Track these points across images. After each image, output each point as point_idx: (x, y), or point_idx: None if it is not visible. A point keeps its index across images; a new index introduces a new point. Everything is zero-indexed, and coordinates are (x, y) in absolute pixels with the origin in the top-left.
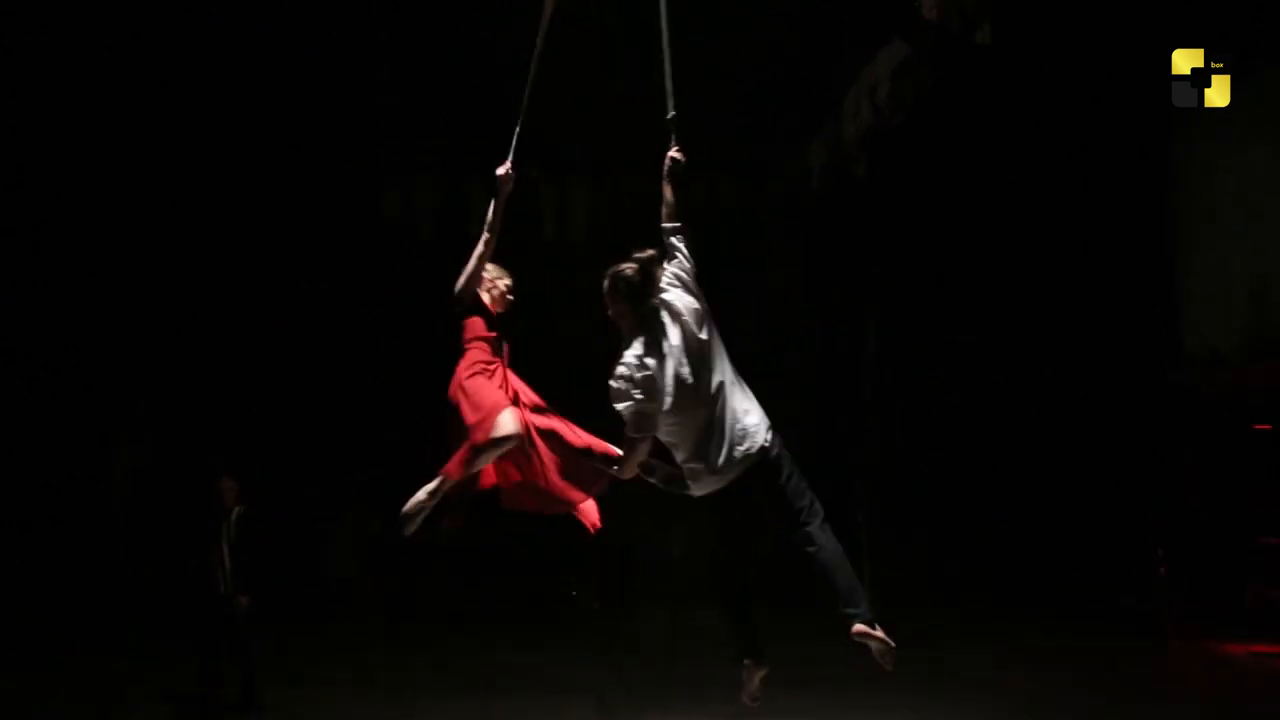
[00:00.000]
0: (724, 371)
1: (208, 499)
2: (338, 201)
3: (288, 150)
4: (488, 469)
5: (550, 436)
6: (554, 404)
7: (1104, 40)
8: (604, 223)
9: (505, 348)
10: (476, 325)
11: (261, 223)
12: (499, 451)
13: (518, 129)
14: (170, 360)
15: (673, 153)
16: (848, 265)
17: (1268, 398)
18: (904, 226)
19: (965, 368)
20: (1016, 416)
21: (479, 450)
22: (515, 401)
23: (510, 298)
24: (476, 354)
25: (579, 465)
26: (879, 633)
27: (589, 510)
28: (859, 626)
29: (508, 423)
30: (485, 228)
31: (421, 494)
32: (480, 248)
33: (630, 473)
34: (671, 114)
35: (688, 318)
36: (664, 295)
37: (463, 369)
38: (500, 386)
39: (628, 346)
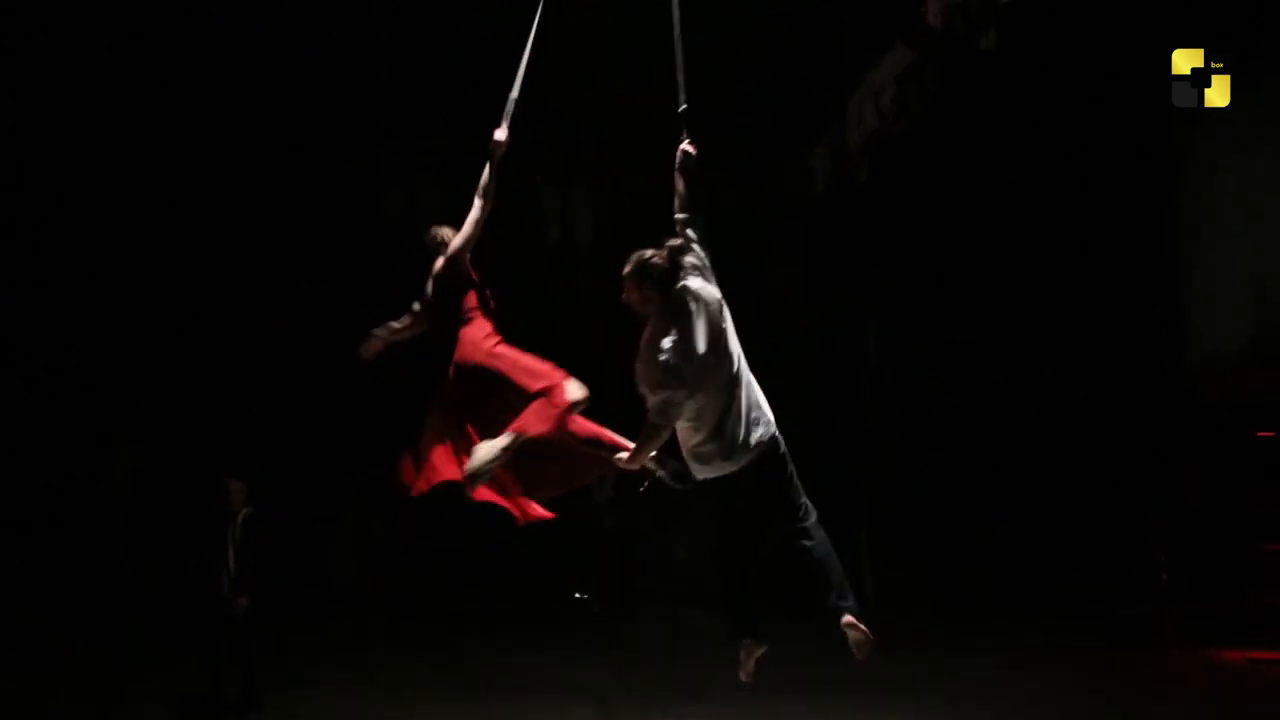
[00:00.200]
0: (740, 359)
1: (213, 500)
2: (338, 201)
3: (288, 150)
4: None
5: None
6: None
7: (1105, 44)
8: (607, 226)
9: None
10: (472, 297)
11: (261, 223)
12: (576, 413)
13: (514, 94)
14: (170, 360)
15: (685, 145)
16: (848, 267)
17: (1270, 402)
18: (905, 229)
19: (966, 368)
20: (1017, 418)
21: (563, 411)
22: None
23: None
24: (485, 324)
25: (584, 452)
26: (863, 625)
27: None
28: (849, 618)
29: (576, 388)
30: (479, 193)
31: (492, 452)
32: (477, 213)
33: (640, 462)
34: (683, 107)
35: (712, 306)
36: (687, 283)
37: (482, 337)
38: None
39: (661, 334)
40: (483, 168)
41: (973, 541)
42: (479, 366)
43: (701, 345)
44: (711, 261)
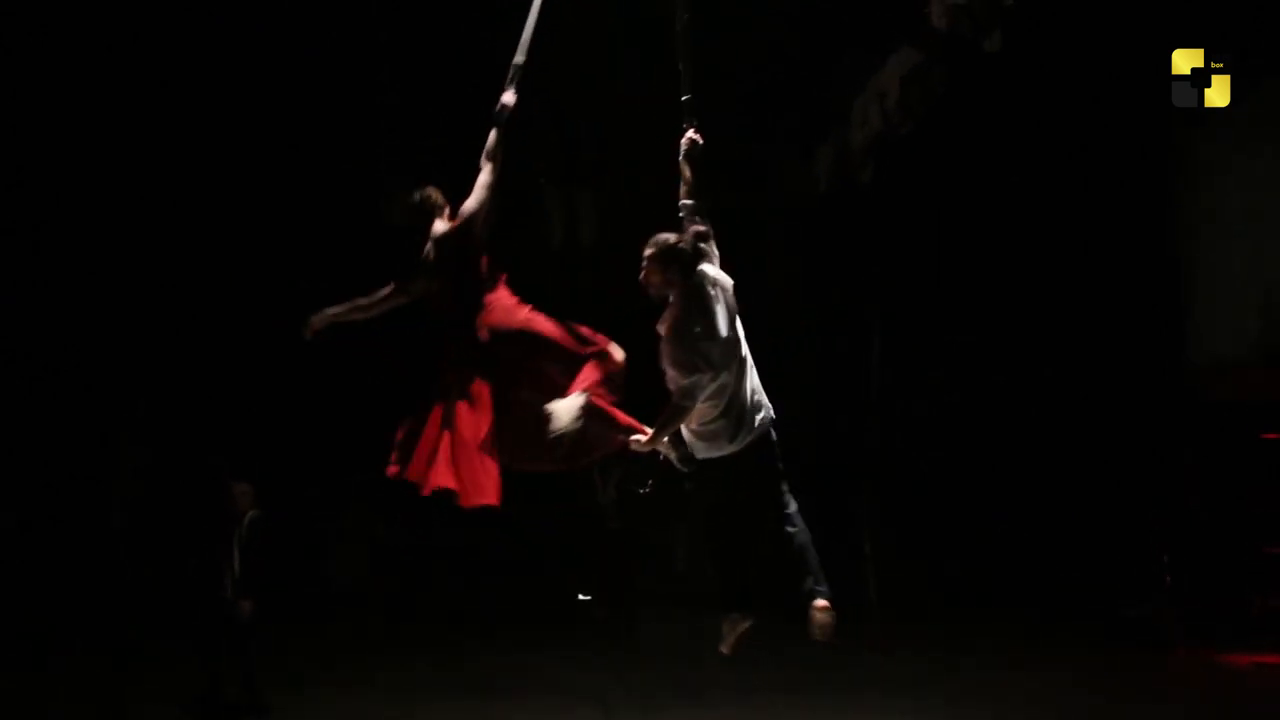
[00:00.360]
0: (745, 344)
1: (219, 502)
2: (337, 202)
3: (288, 150)
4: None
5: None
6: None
7: (1107, 44)
8: (609, 226)
9: None
10: (487, 262)
11: (261, 222)
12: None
13: (518, 59)
14: (170, 360)
15: (690, 134)
16: (851, 268)
17: (1274, 403)
18: (908, 230)
19: (967, 369)
20: (1018, 418)
21: (621, 372)
22: None
23: None
24: (507, 290)
25: (594, 431)
26: (833, 611)
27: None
28: (824, 602)
29: (619, 351)
30: (487, 156)
31: (572, 412)
32: (488, 177)
33: (659, 443)
34: (686, 96)
35: (728, 291)
36: (704, 268)
37: (514, 303)
38: None
39: (686, 318)
40: (488, 133)
41: (973, 541)
42: (520, 330)
43: (724, 329)
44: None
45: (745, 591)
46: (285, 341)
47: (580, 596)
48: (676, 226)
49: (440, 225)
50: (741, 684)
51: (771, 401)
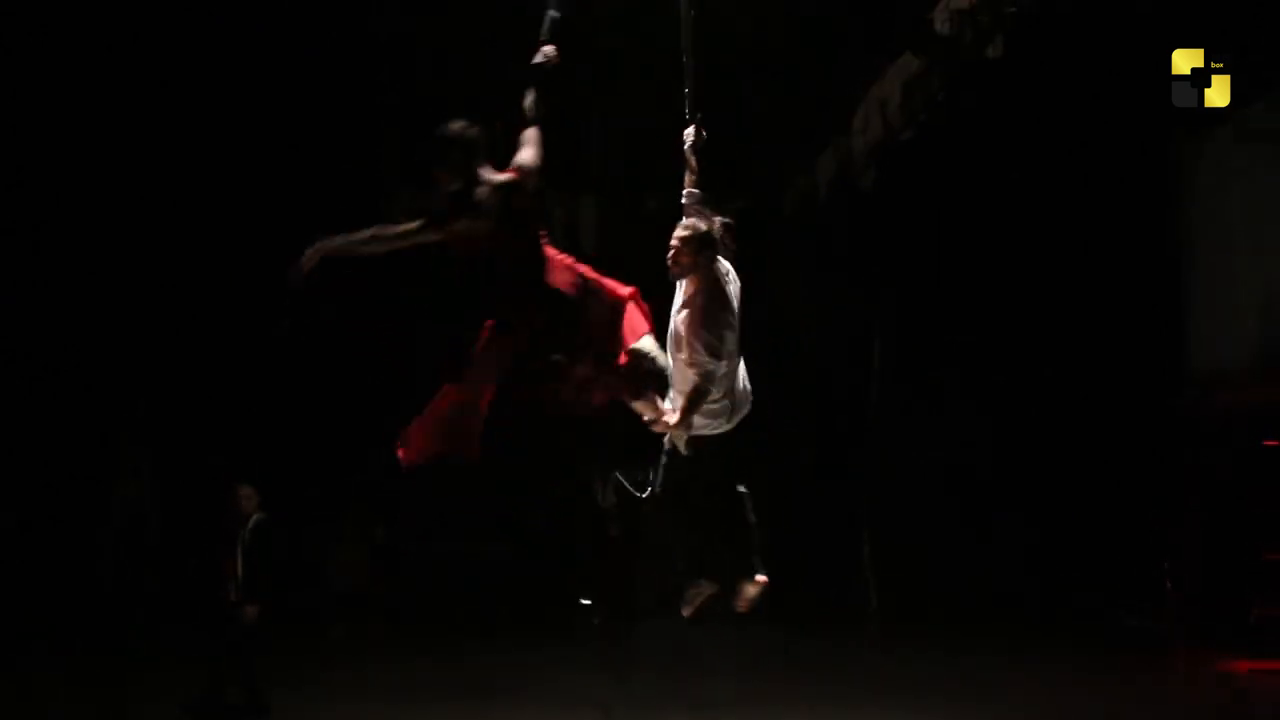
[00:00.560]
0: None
1: (222, 504)
2: (339, 204)
3: (289, 150)
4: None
5: None
6: None
7: (1111, 52)
8: (612, 237)
9: None
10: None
11: (262, 223)
12: None
13: (552, 11)
14: (170, 360)
15: (693, 127)
16: (852, 272)
17: (1274, 411)
18: (909, 234)
19: (969, 374)
20: (1020, 424)
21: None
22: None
23: None
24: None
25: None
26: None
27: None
28: (763, 578)
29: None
30: (530, 114)
31: (655, 345)
32: (537, 134)
33: (687, 423)
34: (688, 89)
35: (737, 284)
36: (720, 257)
37: (570, 259)
38: None
39: (713, 305)
40: (529, 91)
41: (973, 546)
42: (584, 279)
43: (736, 320)
44: None
45: (715, 561)
46: (285, 343)
47: (582, 601)
48: (679, 220)
49: (492, 171)
50: (741, 688)
51: (775, 403)
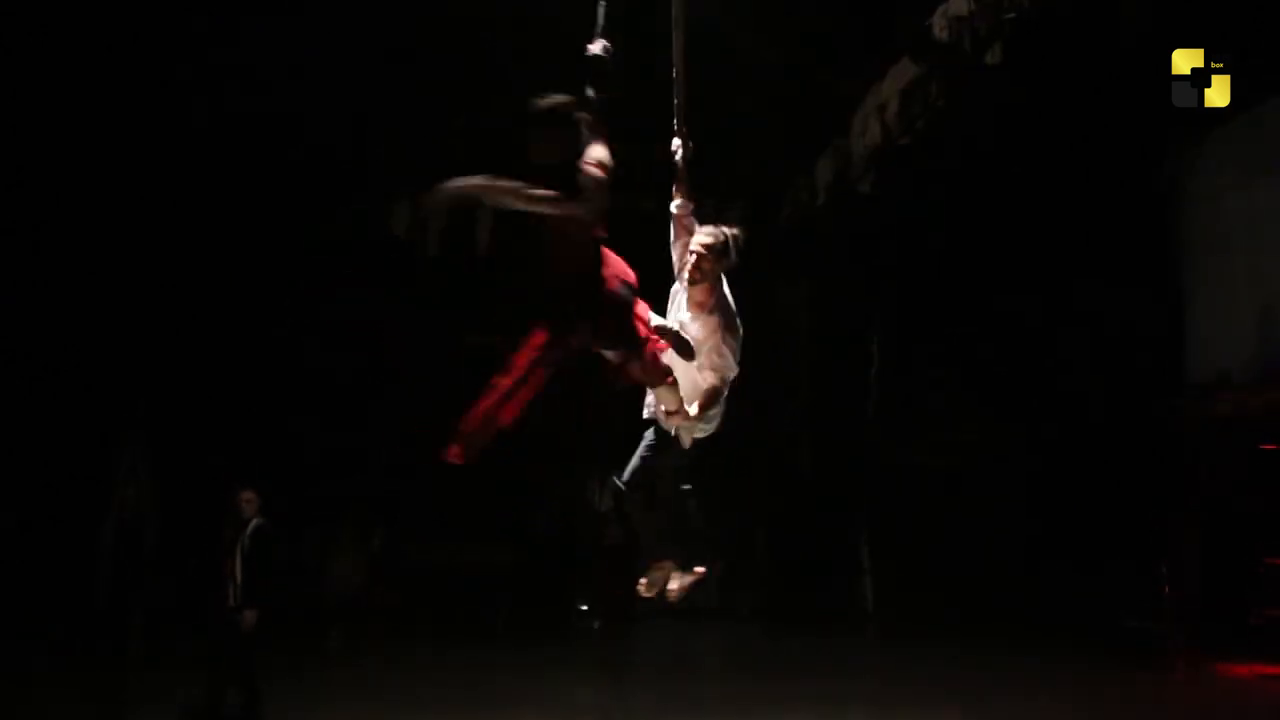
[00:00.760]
0: None
1: (223, 507)
2: (343, 213)
3: (291, 153)
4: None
5: None
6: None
7: (1110, 53)
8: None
9: None
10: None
11: (262, 225)
12: None
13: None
14: (170, 361)
15: (680, 138)
16: (851, 277)
17: (1273, 416)
18: (907, 239)
19: (967, 379)
20: (1019, 430)
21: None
22: None
23: None
24: None
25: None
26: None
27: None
28: (702, 570)
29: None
30: (590, 111)
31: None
32: (602, 126)
33: (703, 418)
34: (677, 100)
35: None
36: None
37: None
38: None
39: (724, 314)
40: (586, 87)
41: (974, 552)
42: (620, 289)
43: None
44: None
45: (676, 547)
46: (285, 345)
47: (580, 607)
48: (667, 229)
49: (603, 150)
50: (739, 693)
51: (774, 407)
